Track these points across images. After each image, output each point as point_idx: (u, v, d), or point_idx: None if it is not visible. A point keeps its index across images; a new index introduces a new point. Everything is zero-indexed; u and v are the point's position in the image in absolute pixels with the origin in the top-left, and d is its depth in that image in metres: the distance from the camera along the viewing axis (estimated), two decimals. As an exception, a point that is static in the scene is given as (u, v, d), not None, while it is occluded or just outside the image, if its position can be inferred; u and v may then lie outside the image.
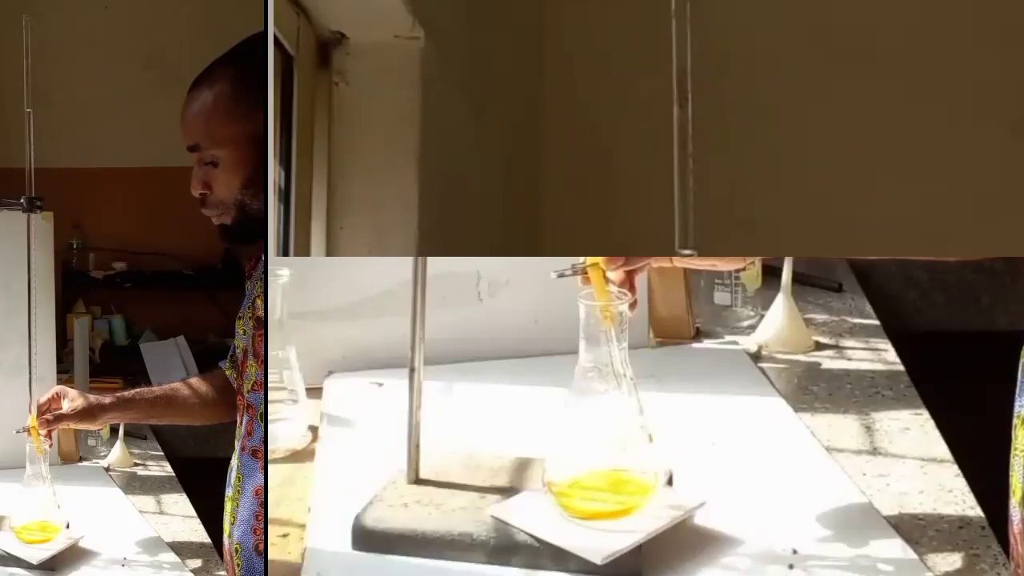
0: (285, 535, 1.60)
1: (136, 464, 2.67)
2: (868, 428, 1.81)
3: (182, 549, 2.18)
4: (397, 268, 1.77)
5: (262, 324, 1.61)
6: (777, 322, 2.15)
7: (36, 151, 1.95)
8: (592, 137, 2.18)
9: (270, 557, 1.56)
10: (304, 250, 1.79)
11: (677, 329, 2.18)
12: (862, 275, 2.55)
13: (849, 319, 2.30)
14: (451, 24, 1.91)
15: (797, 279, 2.25)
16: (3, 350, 2.45)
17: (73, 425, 1.88)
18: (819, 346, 2.16)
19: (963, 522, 1.52)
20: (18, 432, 1.93)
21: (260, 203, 1.54)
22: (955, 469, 1.66)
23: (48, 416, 1.84)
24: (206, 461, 2.64)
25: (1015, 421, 1.41)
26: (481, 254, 2.04)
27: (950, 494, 1.59)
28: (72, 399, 1.83)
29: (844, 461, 1.69)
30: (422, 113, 1.80)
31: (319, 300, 2.07)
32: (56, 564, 2.06)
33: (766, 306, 2.20)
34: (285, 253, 1.77)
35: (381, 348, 2.03)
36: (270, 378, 1.69)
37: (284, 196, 1.76)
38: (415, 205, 1.79)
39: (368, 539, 1.48)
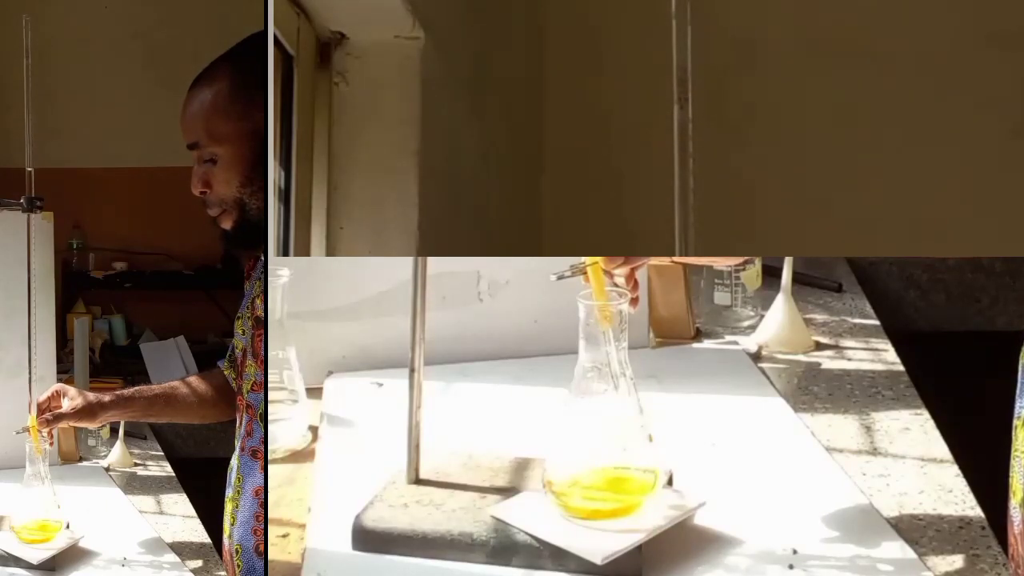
0: (285, 535, 1.60)
1: (136, 464, 2.66)
2: (868, 428, 1.81)
3: (182, 549, 2.18)
4: (397, 268, 1.77)
5: (262, 324, 1.60)
6: (777, 322, 2.15)
7: (36, 151, 1.95)
8: (592, 137, 2.18)
9: (270, 557, 1.56)
10: (304, 250, 1.79)
11: (677, 329, 2.18)
12: (862, 275, 2.55)
13: (849, 319, 2.30)
14: (451, 24, 1.91)
15: (797, 279, 2.25)
16: (3, 350, 2.45)
17: (73, 423, 1.88)
18: (819, 346, 2.16)
19: (963, 522, 1.52)
20: (18, 433, 1.93)
21: (260, 201, 1.54)
22: (955, 469, 1.66)
23: (48, 415, 1.84)
24: (206, 461, 2.65)
25: (1015, 422, 1.41)
26: (481, 254, 2.04)
27: (950, 494, 1.59)
28: (72, 397, 1.83)
29: (844, 461, 1.69)
30: (422, 113, 1.80)
31: (319, 300, 2.07)
32: (56, 564, 2.06)
33: (766, 306, 2.20)
34: (285, 253, 1.77)
35: (381, 348, 2.03)
36: (270, 378, 1.69)
37: (284, 196, 1.76)
38: (415, 205, 1.79)
39: (368, 539, 1.48)
